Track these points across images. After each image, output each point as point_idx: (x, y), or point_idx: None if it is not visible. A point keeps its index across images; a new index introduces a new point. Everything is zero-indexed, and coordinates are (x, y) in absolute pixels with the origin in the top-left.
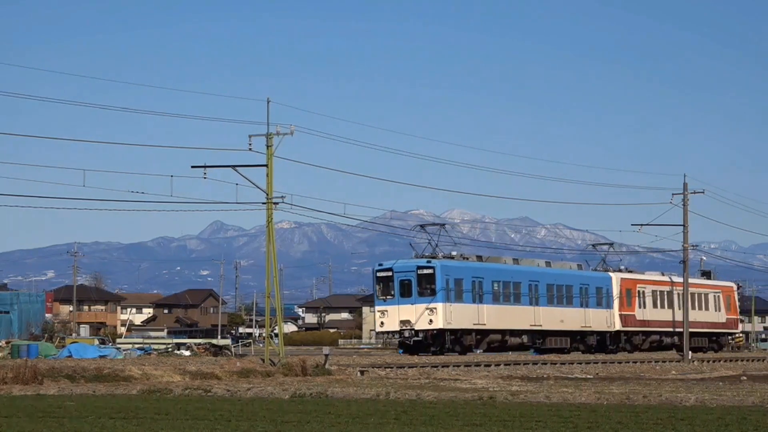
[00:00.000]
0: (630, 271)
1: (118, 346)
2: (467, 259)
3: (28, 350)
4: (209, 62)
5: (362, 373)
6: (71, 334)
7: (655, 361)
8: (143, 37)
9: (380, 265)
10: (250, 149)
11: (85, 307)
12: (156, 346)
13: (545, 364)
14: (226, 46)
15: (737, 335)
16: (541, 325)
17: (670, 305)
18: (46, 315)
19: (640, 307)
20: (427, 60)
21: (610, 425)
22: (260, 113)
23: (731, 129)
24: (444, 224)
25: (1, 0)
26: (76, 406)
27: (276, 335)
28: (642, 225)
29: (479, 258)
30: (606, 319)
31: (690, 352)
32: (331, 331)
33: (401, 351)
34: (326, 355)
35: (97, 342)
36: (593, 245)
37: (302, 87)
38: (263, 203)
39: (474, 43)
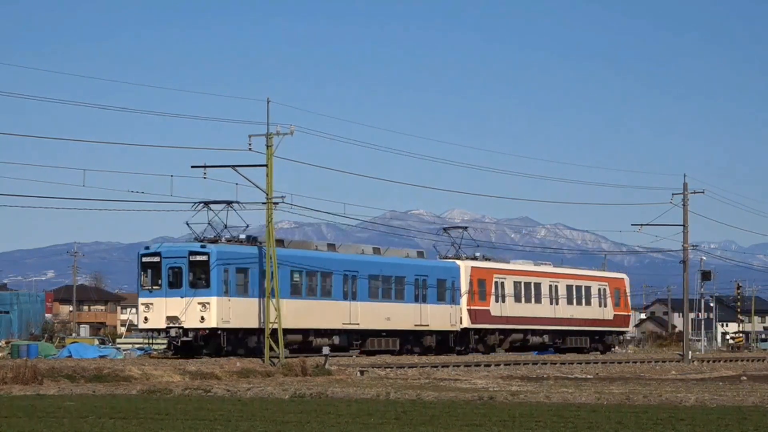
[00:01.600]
0: (487, 259)
1: (118, 346)
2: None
3: (28, 350)
4: (209, 62)
5: (362, 373)
6: (71, 334)
7: (655, 361)
8: (143, 37)
9: (146, 248)
10: (250, 149)
11: (85, 307)
12: (156, 347)
13: (545, 364)
14: (226, 46)
15: (738, 336)
16: (358, 324)
17: (539, 299)
18: (46, 315)
19: (497, 301)
20: (427, 60)
21: (610, 425)
22: (260, 113)
23: (731, 129)
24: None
25: (1, 0)
26: (76, 406)
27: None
28: (642, 225)
29: (279, 243)
30: (450, 316)
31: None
32: None
33: (172, 352)
34: (326, 356)
35: (97, 342)
36: (444, 229)
37: (302, 87)
38: (263, 203)
39: (474, 44)
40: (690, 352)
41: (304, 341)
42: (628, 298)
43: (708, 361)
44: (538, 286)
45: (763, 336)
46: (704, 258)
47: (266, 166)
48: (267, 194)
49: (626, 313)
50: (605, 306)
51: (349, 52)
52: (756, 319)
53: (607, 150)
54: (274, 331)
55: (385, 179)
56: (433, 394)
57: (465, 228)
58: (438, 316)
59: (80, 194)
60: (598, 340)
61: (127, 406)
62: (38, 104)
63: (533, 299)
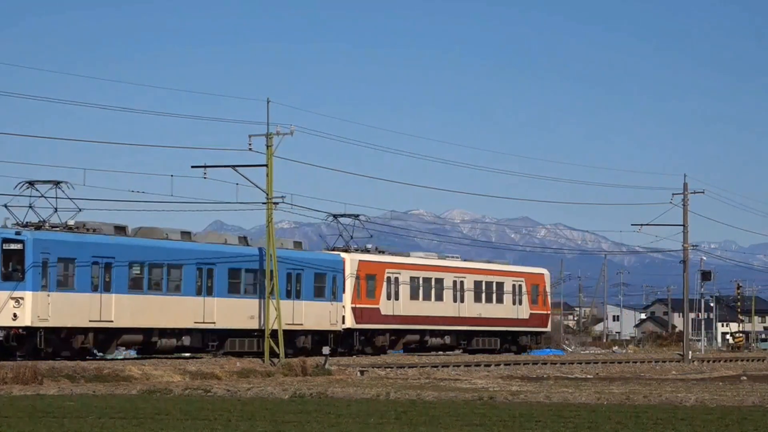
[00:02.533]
0: (381, 252)
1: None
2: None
3: None
4: (209, 62)
5: (362, 373)
6: None
7: (655, 361)
8: (143, 37)
9: None
10: (250, 149)
11: None
12: None
13: (545, 364)
14: (226, 46)
15: (738, 336)
16: (214, 323)
17: (440, 296)
18: None
19: (389, 298)
20: (427, 60)
21: (610, 425)
22: (260, 113)
23: (731, 129)
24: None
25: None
26: (76, 406)
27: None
28: (642, 225)
29: (120, 230)
30: (330, 315)
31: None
32: None
33: None
34: (326, 355)
35: None
36: (333, 216)
37: (302, 87)
38: (263, 203)
39: (474, 43)
40: (690, 352)
41: (145, 341)
42: (548, 296)
43: (708, 361)
44: (440, 281)
45: (763, 336)
46: (704, 258)
47: (266, 166)
48: (267, 194)
49: (545, 312)
50: (520, 304)
51: (350, 52)
52: (756, 319)
53: (607, 150)
54: (274, 332)
55: (385, 179)
56: (433, 394)
57: (357, 216)
58: (314, 315)
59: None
60: (512, 341)
61: (127, 406)
62: (38, 104)
63: (433, 296)
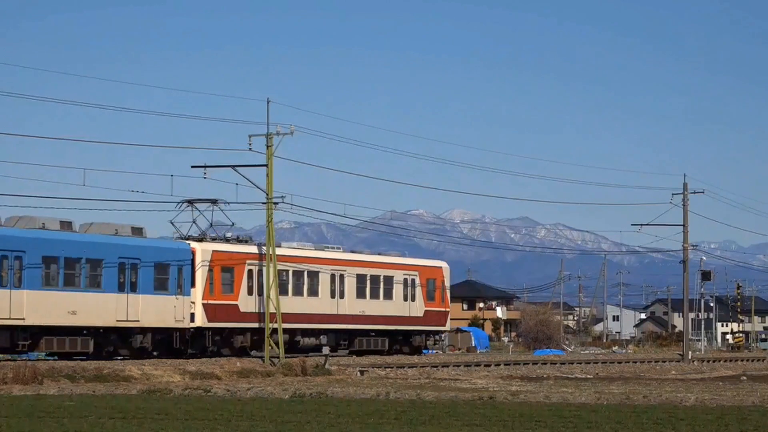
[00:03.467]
0: (243, 241)
1: None
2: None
3: None
4: (209, 62)
5: (362, 373)
6: None
7: (655, 361)
8: (143, 37)
9: None
10: (250, 149)
11: None
12: None
13: (545, 364)
14: (226, 46)
15: (738, 336)
16: (23, 319)
17: (314, 291)
18: None
19: (250, 293)
20: (427, 60)
21: (610, 425)
22: (260, 113)
23: (731, 129)
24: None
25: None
26: (76, 406)
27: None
28: (642, 225)
29: None
30: (175, 311)
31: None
32: None
33: None
34: (326, 355)
35: None
36: (188, 202)
37: (302, 87)
38: (263, 203)
39: (474, 44)
40: (690, 352)
41: None
42: (447, 291)
43: (708, 361)
44: (314, 275)
45: (763, 336)
46: (704, 258)
47: (266, 166)
48: (267, 194)
49: (443, 310)
50: (413, 300)
51: (350, 52)
52: (756, 319)
53: (607, 150)
54: (274, 331)
55: (385, 179)
56: (433, 393)
57: (215, 201)
58: (155, 311)
59: (80, 194)
60: (404, 341)
61: (127, 406)
62: (38, 104)
63: (306, 291)
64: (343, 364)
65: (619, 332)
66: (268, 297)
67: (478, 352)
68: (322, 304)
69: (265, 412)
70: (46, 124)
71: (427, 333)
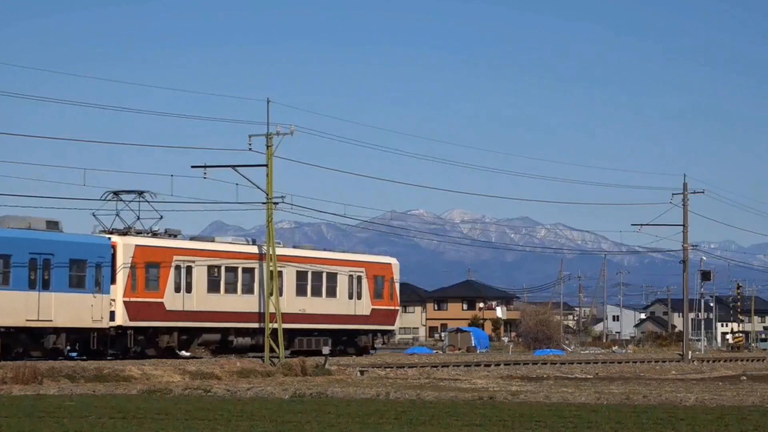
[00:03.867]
0: (172, 235)
1: None
2: None
3: None
4: (209, 62)
5: (362, 373)
6: None
7: (655, 361)
8: (143, 37)
9: None
10: (250, 149)
11: None
12: None
13: (545, 364)
14: (226, 46)
15: (738, 336)
16: None
17: (250, 288)
18: None
19: (178, 290)
20: (427, 59)
21: (610, 425)
22: (260, 113)
23: (731, 129)
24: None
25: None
26: (76, 406)
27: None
28: (642, 225)
29: None
30: (92, 309)
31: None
32: None
33: None
34: (326, 355)
35: None
36: (114, 192)
37: (302, 87)
38: (263, 203)
39: (475, 44)
40: (690, 352)
41: None
42: (396, 288)
43: (708, 361)
44: (249, 271)
45: (763, 336)
46: (704, 258)
47: (266, 166)
48: (267, 194)
49: (391, 308)
50: (359, 298)
51: (350, 52)
52: (756, 319)
53: (608, 150)
54: (274, 332)
55: (385, 179)
56: (433, 393)
57: (141, 193)
58: (70, 309)
59: (80, 194)
60: (349, 341)
61: (127, 406)
62: (38, 104)
63: (240, 289)
64: (343, 364)
65: (619, 332)
66: (268, 297)
67: (478, 352)
68: (258, 302)
69: (265, 412)
70: (46, 124)
71: (375, 332)
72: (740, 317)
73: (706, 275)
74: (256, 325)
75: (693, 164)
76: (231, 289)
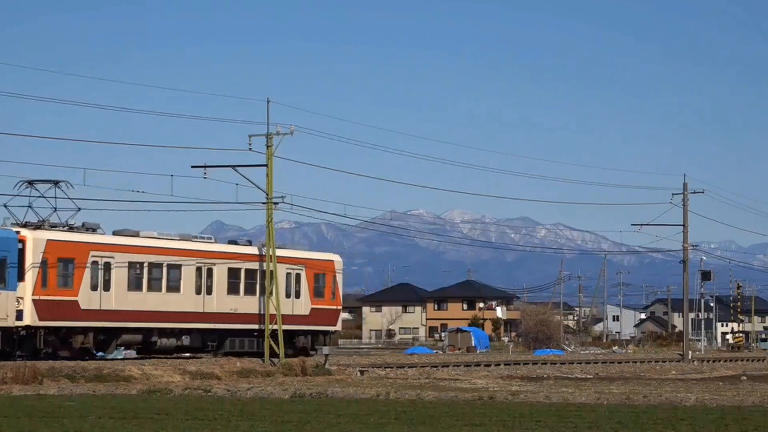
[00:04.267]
0: (90, 230)
1: None
2: None
3: None
4: (209, 62)
5: (362, 373)
6: None
7: (655, 361)
8: (143, 37)
9: None
10: (250, 149)
11: None
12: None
13: (545, 363)
14: (226, 46)
15: (738, 336)
16: None
17: (175, 286)
18: None
19: (94, 288)
20: (427, 59)
21: (610, 425)
22: (260, 113)
23: (731, 129)
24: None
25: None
26: (76, 406)
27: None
28: (642, 225)
29: None
30: None
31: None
32: None
33: None
34: (326, 355)
35: None
36: (28, 182)
37: (302, 87)
38: (263, 203)
39: (474, 44)
40: (690, 352)
41: None
42: (339, 286)
43: (708, 361)
44: (176, 268)
45: (763, 336)
46: (704, 258)
47: (266, 166)
48: (267, 194)
49: (333, 308)
50: (297, 297)
51: (350, 52)
52: (756, 319)
53: (608, 150)
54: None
55: (385, 179)
56: (433, 393)
57: (57, 182)
58: None
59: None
60: (285, 342)
61: (127, 406)
62: (38, 104)
63: (165, 287)
64: (343, 364)
65: (619, 332)
66: (268, 297)
67: (478, 352)
68: (184, 300)
69: (265, 412)
70: (46, 124)
71: (315, 333)
72: (740, 317)
73: (706, 275)
74: (183, 326)
75: (693, 164)
76: (155, 287)
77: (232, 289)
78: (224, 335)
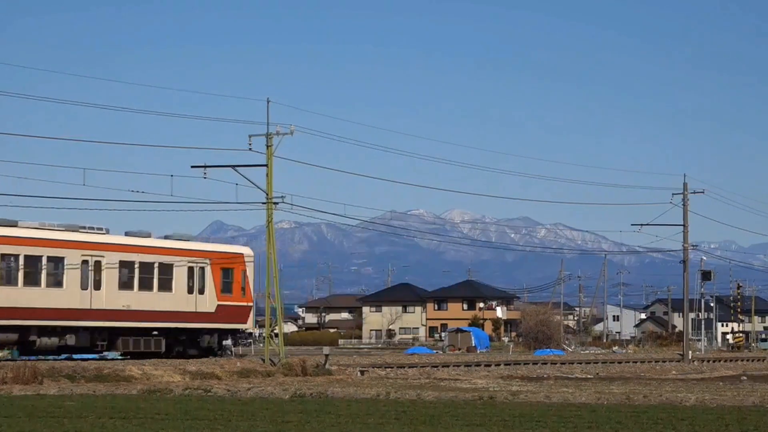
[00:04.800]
0: None
1: None
2: None
3: None
4: (209, 62)
5: (362, 373)
6: None
7: (655, 361)
8: (143, 37)
9: None
10: (250, 149)
11: None
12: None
13: (545, 363)
14: (226, 46)
15: (738, 336)
16: None
17: (58, 281)
18: None
19: None
20: (427, 59)
21: (610, 425)
22: (260, 113)
23: (731, 129)
24: None
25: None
26: (76, 406)
27: (276, 335)
28: (642, 225)
29: None
30: None
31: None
32: (331, 331)
33: None
34: (326, 355)
35: None
36: None
37: (302, 87)
38: (263, 203)
39: (474, 44)
40: (690, 352)
41: None
42: (250, 282)
43: (708, 361)
44: (58, 260)
45: (763, 336)
46: (704, 258)
47: (266, 166)
48: (267, 194)
49: (243, 304)
50: (201, 293)
51: (349, 52)
52: (756, 319)
53: (607, 150)
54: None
55: (385, 179)
56: (433, 393)
57: None
58: None
59: (80, 194)
60: (189, 341)
61: (127, 406)
62: (38, 104)
63: (44, 281)
64: (343, 364)
65: (619, 332)
66: (268, 297)
67: (479, 352)
68: (67, 296)
69: (266, 412)
70: (46, 124)
71: (222, 331)
72: (740, 317)
73: (706, 275)
74: (66, 323)
75: (693, 164)
76: (32, 281)
77: (125, 283)
78: (116, 334)
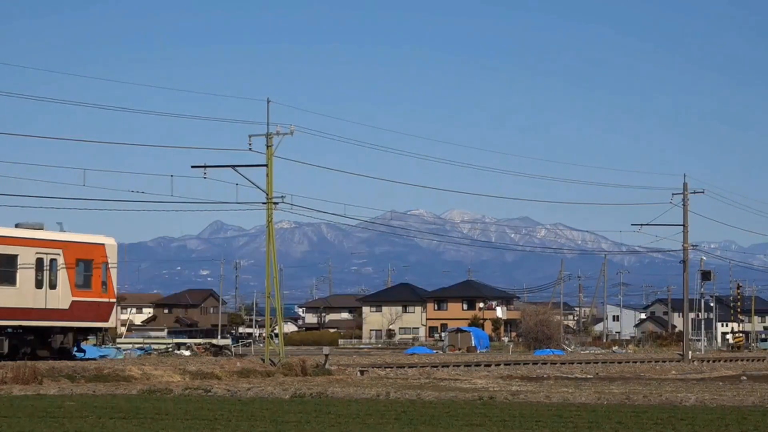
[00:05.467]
0: None
1: (118, 346)
2: None
3: None
4: (209, 62)
5: (362, 373)
6: None
7: (655, 361)
8: (143, 37)
9: None
10: (250, 149)
11: None
12: (156, 346)
13: (545, 363)
14: (227, 46)
15: (738, 336)
16: None
17: None
18: None
19: None
20: (427, 59)
21: (610, 425)
22: (260, 113)
23: (731, 129)
24: None
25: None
26: (76, 406)
27: (276, 335)
28: (642, 225)
29: None
30: None
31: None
32: (331, 331)
33: None
34: (326, 355)
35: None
36: None
37: (302, 87)
38: (263, 203)
39: (474, 44)
40: (690, 352)
41: None
42: (113, 275)
43: (708, 361)
44: None
45: (763, 336)
46: (704, 258)
47: (266, 166)
48: (267, 194)
49: (104, 300)
50: (52, 287)
51: (349, 52)
52: (756, 319)
53: (607, 150)
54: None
55: (385, 179)
56: (433, 393)
57: None
58: None
59: (80, 194)
60: (39, 341)
61: (127, 406)
62: (39, 104)
63: None
64: (343, 364)
65: (619, 332)
66: (268, 297)
67: (479, 352)
68: None
69: (266, 412)
70: (46, 124)
71: (79, 330)
72: (740, 317)
73: (706, 275)
74: None
75: (693, 164)
76: None
77: None
78: None
